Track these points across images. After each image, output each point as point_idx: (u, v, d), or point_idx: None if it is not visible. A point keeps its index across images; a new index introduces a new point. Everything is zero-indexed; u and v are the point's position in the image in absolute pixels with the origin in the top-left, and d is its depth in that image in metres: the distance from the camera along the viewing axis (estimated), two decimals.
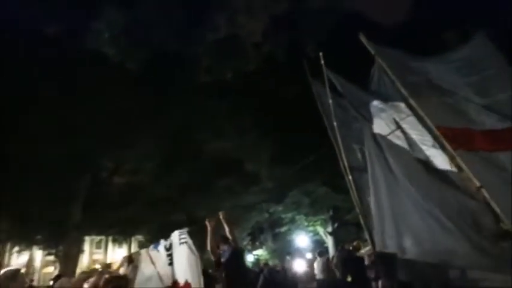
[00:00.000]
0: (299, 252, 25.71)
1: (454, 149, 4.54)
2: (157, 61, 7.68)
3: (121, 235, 26.49)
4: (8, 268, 4.44)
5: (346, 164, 4.92)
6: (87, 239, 29.03)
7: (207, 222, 5.18)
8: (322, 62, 5.37)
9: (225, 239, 5.15)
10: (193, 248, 4.20)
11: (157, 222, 21.99)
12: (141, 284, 4.08)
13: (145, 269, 4.18)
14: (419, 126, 4.71)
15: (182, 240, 4.22)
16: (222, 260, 4.97)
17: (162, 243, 4.40)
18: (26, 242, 20.52)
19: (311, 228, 26.68)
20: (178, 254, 4.15)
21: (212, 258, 5.12)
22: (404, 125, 4.78)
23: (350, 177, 4.88)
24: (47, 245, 20.88)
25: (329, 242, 25.49)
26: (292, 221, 26.15)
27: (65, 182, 16.59)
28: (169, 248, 4.26)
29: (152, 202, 19.47)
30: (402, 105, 4.86)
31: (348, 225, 25.99)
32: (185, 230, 4.43)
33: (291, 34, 7.25)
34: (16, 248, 24.03)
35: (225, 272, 4.84)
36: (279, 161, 18.58)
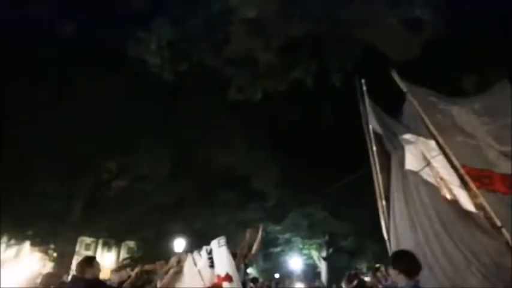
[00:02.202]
0: (297, 276, 25.56)
1: (477, 187, 4.81)
2: (195, 75, 7.99)
3: (113, 239, 26.33)
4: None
5: (381, 189, 5.13)
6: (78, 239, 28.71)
7: (247, 231, 5.53)
8: (365, 88, 5.63)
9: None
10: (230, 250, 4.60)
11: (153, 230, 22.01)
12: (186, 284, 4.42)
13: (189, 269, 4.53)
14: (448, 166, 4.97)
15: (221, 244, 4.61)
16: None
17: (204, 248, 4.73)
18: (18, 235, 20.28)
19: (306, 251, 26.66)
20: (218, 255, 4.54)
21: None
22: (434, 163, 5.04)
23: (384, 202, 5.07)
24: (42, 241, 20.73)
25: (322, 267, 25.45)
26: (288, 242, 26.15)
27: (68, 180, 16.66)
28: (210, 252, 4.61)
29: (151, 209, 19.50)
30: (432, 143, 5.13)
31: (342, 253, 26.09)
32: (223, 237, 4.77)
33: (319, 62, 7.63)
34: (4, 239, 23.63)
35: None
36: (284, 182, 18.83)
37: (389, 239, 4.90)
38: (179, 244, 19.09)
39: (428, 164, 5.03)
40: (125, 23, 7.68)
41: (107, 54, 10.19)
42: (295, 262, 27.42)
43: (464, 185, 4.86)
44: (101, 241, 31.94)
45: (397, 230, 5.06)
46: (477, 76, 6.54)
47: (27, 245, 26.11)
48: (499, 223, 4.52)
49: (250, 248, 5.43)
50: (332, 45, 8.16)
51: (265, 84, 7.50)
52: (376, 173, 5.15)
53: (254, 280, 13.36)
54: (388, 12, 6.49)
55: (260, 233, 5.50)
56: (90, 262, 4.59)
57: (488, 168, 5.27)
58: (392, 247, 5.12)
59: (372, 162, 5.23)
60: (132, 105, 13.26)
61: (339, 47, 8.19)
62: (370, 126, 5.41)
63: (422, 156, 5.12)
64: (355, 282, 6.67)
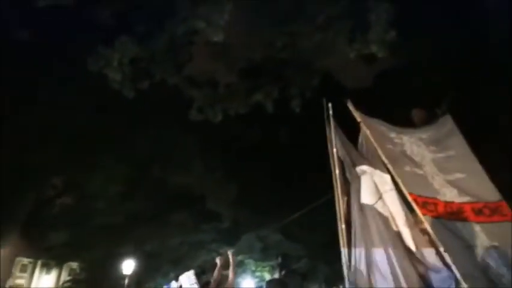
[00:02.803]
0: None
1: (423, 214, 5.14)
2: (155, 93, 7.88)
3: (54, 260, 24.58)
4: None
5: (342, 212, 5.27)
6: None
7: (217, 259, 5.85)
8: (331, 112, 5.80)
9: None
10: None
11: (100, 250, 20.85)
12: None
13: None
14: (398, 202, 5.25)
15: (192, 283, 4.47)
16: None
17: (173, 285, 4.57)
18: None
19: (258, 273, 26.51)
20: None
21: None
22: (386, 198, 5.31)
23: (343, 226, 5.22)
24: None
25: None
26: (241, 264, 25.85)
27: (7, 196, 15.46)
28: None
29: (99, 228, 18.54)
30: (388, 177, 5.40)
31: (295, 275, 26.20)
32: (192, 272, 4.65)
33: (280, 87, 7.89)
34: None
35: None
36: (239, 203, 18.80)
37: (348, 261, 5.05)
38: (128, 266, 18.21)
39: (380, 197, 5.30)
40: (88, 36, 7.50)
41: (66, 64, 9.81)
42: (247, 284, 27.11)
43: (409, 223, 5.16)
44: (39, 262, 29.61)
45: (355, 253, 5.24)
46: (424, 108, 7.07)
47: None
48: (442, 248, 4.84)
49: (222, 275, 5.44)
50: (293, 71, 8.49)
51: (226, 106, 7.59)
52: (338, 197, 5.32)
53: None
54: (346, 46, 6.91)
55: (231, 259, 5.54)
56: None
57: (434, 196, 5.66)
58: (348, 270, 5.26)
59: (335, 185, 5.40)
60: (87, 118, 12.75)
61: (299, 73, 8.53)
62: (335, 150, 5.59)
63: (376, 190, 5.38)
64: None
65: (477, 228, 5.24)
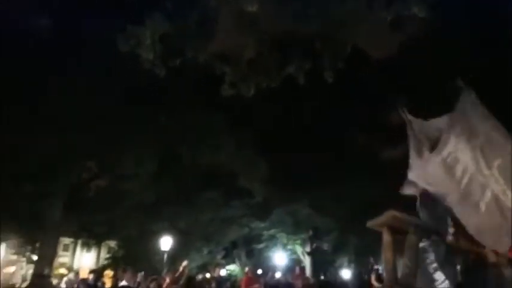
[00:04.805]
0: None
1: None
2: (184, 71, 7.78)
3: (93, 239, 25.72)
4: None
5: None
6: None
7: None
8: (409, 117, 5.70)
9: None
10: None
11: (135, 229, 21.62)
12: None
13: None
14: None
15: None
16: None
17: None
18: None
19: (290, 246, 26.92)
20: None
21: None
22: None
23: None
24: (23, 241, 20.00)
25: (306, 261, 25.78)
26: (272, 238, 26.31)
27: (46, 181, 16.09)
28: None
29: (133, 208, 19.11)
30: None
31: (325, 248, 26.55)
32: None
33: (311, 59, 7.60)
34: None
35: None
36: (270, 179, 18.88)
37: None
38: (166, 242, 18.82)
39: None
40: (114, 17, 7.41)
41: (93, 47, 9.83)
42: (279, 257, 27.62)
43: None
44: (80, 241, 31.10)
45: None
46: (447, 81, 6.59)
47: (2, 248, 25.22)
48: None
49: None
50: (324, 42, 8.18)
51: (259, 80, 7.41)
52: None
53: None
54: (382, 10, 6.53)
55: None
56: None
57: None
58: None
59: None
60: (116, 102, 12.88)
61: (330, 44, 8.21)
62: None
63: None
64: None
65: None
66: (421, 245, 4.56)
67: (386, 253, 4.11)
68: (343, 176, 19.16)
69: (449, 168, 4.97)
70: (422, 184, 5.28)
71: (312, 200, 21.68)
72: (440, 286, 4.62)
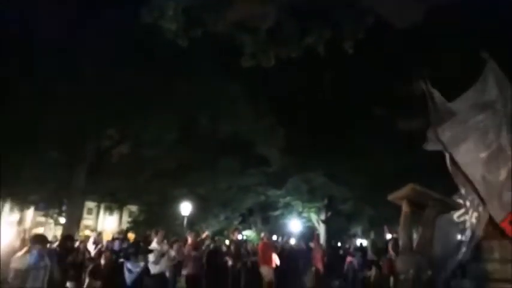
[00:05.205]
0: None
1: None
2: (203, 42, 7.81)
3: (116, 203, 26.80)
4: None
5: None
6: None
7: None
8: (432, 89, 5.60)
9: None
10: None
11: (156, 194, 22.43)
12: None
13: None
14: None
15: None
16: None
17: None
18: (20, 201, 20.58)
19: (305, 214, 27.43)
20: None
21: None
22: None
23: None
24: (50, 205, 20.99)
25: (321, 229, 26.30)
26: (287, 205, 26.82)
27: (70, 148, 16.70)
28: None
29: (154, 174, 19.72)
30: None
31: (340, 216, 26.96)
32: None
33: (331, 29, 7.48)
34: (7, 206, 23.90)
35: None
36: (287, 148, 19.06)
37: None
38: (185, 208, 19.53)
39: None
40: None
41: (113, 18, 9.87)
42: (294, 224, 28.28)
43: None
44: (103, 205, 32.47)
45: None
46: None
47: (31, 210, 26.60)
48: None
49: None
50: (344, 11, 8.05)
51: (278, 51, 7.41)
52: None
53: None
54: None
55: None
56: None
57: None
58: None
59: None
60: (137, 70, 13.04)
61: (351, 13, 8.07)
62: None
63: None
64: None
65: None
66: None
67: (404, 224, 4.26)
68: (362, 147, 19.17)
69: (482, 133, 5.04)
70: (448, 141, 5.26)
71: (328, 168, 21.81)
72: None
